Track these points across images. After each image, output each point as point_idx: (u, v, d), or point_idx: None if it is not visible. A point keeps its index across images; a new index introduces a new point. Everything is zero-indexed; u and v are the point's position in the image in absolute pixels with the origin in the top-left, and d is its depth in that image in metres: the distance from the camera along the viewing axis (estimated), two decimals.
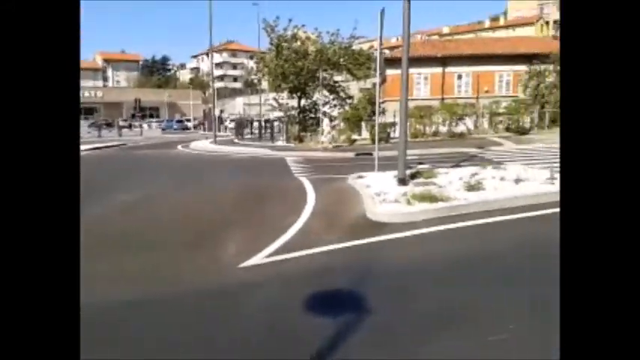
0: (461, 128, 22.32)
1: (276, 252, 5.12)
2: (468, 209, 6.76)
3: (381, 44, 10.63)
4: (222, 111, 50.73)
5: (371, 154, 11.48)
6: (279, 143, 23.79)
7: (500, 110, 23.06)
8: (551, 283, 4.01)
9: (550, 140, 18.36)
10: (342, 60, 24.06)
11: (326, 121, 21.53)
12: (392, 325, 3.34)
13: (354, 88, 30.87)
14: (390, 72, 25.21)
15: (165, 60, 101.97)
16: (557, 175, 8.47)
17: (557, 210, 6.56)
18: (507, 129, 22.43)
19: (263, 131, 29.96)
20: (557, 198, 7.21)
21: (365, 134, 22.39)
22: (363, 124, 23.10)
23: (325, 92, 24.54)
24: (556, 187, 7.80)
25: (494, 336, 3.09)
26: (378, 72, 11.27)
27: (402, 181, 8.60)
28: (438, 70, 29.26)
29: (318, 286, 4.05)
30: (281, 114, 26.73)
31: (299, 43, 23.62)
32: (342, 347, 2.99)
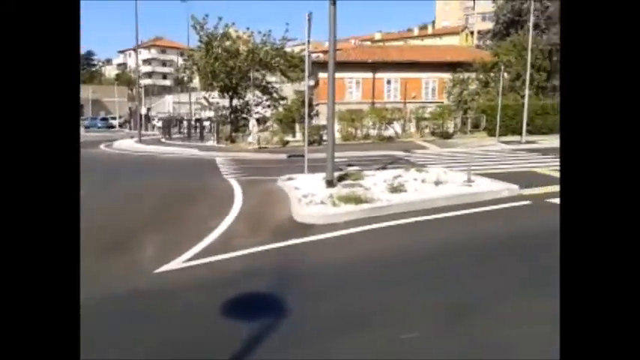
0: (390, 132, 23.07)
1: (196, 256, 4.97)
2: (389, 210, 6.98)
3: (308, 47, 10.71)
4: (149, 109, 48.57)
5: (303, 156, 11.52)
6: (210, 143, 23.22)
7: (426, 115, 24.12)
8: (463, 281, 4.28)
9: (471, 144, 19.50)
10: (274, 61, 23.97)
11: (252, 121, 21.29)
12: (305, 326, 3.35)
13: (289, 89, 30.92)
14: (322, 75, 25.47)
15: (89, 55, 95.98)
16: (474, 178, 9.00)
17: (472, 210, 7.03)
18: (433, 133, 23.51)
19: (193, 131, 29.08)
20: (472, 199, 7.67)
21: (299, 136, 22.46)
22: (297, 125, 23.17)
23: (258, 92, 24.33)
24: (471, 189, 8.28)
25: (406, 334, 3.19)
26: (307, 75, 11.33)
27: (330, 183, 8.71)
28: (369, 75, 30.00)
29: (235, 291, 3.97)
30: (212, 113, 26.12)
31: (230, 42, 23.22)
32: (253, 351, 2.96)
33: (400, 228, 6.17)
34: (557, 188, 8.57)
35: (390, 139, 22.47)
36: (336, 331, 3.28)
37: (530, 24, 21.70)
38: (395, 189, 8.14)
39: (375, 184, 8.86)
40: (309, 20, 10.17)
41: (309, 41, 10.52)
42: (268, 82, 25.04)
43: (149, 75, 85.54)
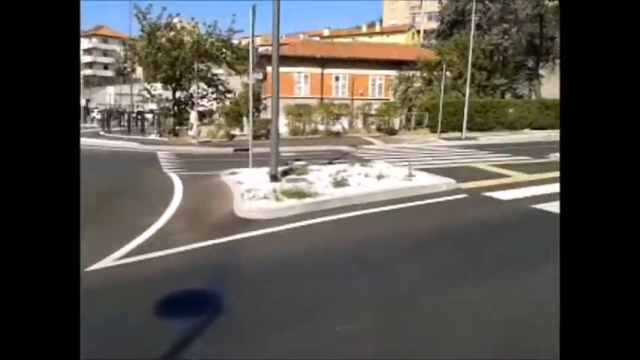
0: (337, 127, 23.28)
1: (130, 254, 4.76)
2: (332, 204, 7.03)
3: (252, 40, 10.56)
4: (88, 100, 46.15)
5: (249, 150, 11.38)
6: (152, 137, 22.39)
7: (373, 112, 24.54)
8: (400, 271, 4.39)
9: (415, 140, 20.06)
10: (220, 53, 23.47)
11: (193, 114, 20.75)
12: (243, 322, 3.29)
13: (237, 82, 30.39)
14: (270, 69, 25.24)
15: None
16: (415, 172, 9.24)
17: (411, 204, 7.22)
18: (379, 129, 23.96)
19: (134, 124, 27.92)
20: (412, 193, 7.88)
21: (247, 130, 22.13)
22: (245, 119, 22.85)
23: (203, 85, 23.74)
24: (412, 183, 8.50)
25: (341, 326, 3.22)
26: (250, 67, 11.16)
27: (274, 178, 8.64)
28: (317, 70, 30.06)
29: (168, 288, 3.84)
30: (154, 106, 25.20)
31: (174, 32, 22.48)
32: (184, 349, 2.87)
33: (340, 222, 6.22)
34: (492, 182, 9.00)
35: (337, 134, 22.68)
36: (273, 326, 3.25)
37: (472, 24, 22.58)
38: (338, 183, 8.21)
39: (320, 178, 8.89)
40: (254, 13, 10.03)
41: (253, 33, 10.37)
42: (214, 75, 24.48)
43: (90, 65, 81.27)
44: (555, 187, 8.18)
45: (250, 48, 10.74)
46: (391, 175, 9.17)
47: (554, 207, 6.67)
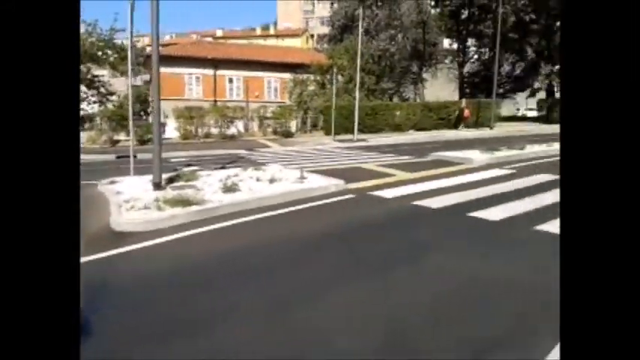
0: (232, 130, 22.81)
1: None
2: (220, 211, 6.78)
3: (131, 39, 9.89)
4: None
5: (135, 157, 10.60)
6: None
7: (268, 114, 24.47)
8: (287, 274, 4.32)
9: (310, 142, 20.37)
10: (101, 53, 21.76)
11: None
12: (103, 341, 2.97)
13: (122, 84, 28.36)
14: (161, 70, 23.95)
15: None
16: (307, 174, 9.32)
17: (301, 206, 7.23)
18: (275, 132, 23.96)
19: None
20: (303, 195, 7.91)
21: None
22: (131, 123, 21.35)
23: (83, 87, 21.80)
24: (303, 185, 8.55)
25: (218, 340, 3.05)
26: (130, 67, 10.41)
27: (158, 186, 8.13)
28: (210, 72, 29.27)
29: None
30: None
31: None
32: None
33: (225, 230, 6.00)
34: (378, 181, 9.38)
35: (232, 137, 22.22)
36: (144, 342, 2.97)
37: (360, 30, 23.55)
38: (228, 189, 7.96)
39: (210, 184, 8.57)
40: (132, 10, 9.39)
41: (132, 32, 9.70)
42: (95, 76, 22.61)
43: None
44: (432, 184, 8.78)
45: (129, 47, 10.04)
46: (283, 179, 9.14)
47: (431, 202, 7.13)
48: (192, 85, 28.79)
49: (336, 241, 5.46)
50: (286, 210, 7.02)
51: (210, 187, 8.21)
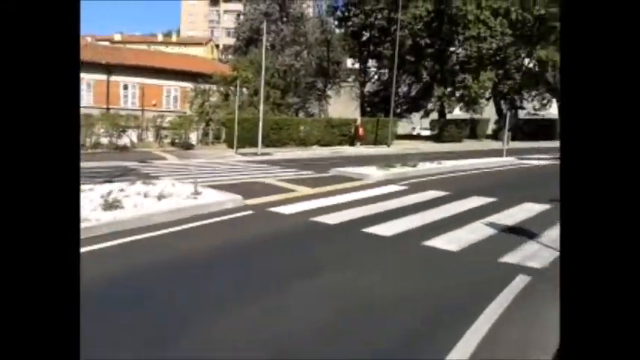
0: (125, 141, 21.27)
1: None
2: (96, 232, 6.05)
3: None
4: None
5: None
6: None
7: (165, 124, 23.25)
8: (173, 300, 3.88)
9: (211, 155, 19.64)
10: None
11: None
12: None
13: None
14: None
15: None
16: (202, 189, 8.79)
17: (190, 225, 6.72)
18: (173, 143, 22.80)
19: None
20: (195, 212, 7.40)
21: None
22: None
23: None
24: (197, 201, 8.03)
25: None
26: None
27: None
28: (103, 77, 27.22)
29: None
30: None
31: None
32: None
33: (97, 254, 5.31)
34: (278, 197, 9.16)
35: (125, 148, 20.69)
36: None
37: (264, 44, 23.51)
38: (110, 205, 7.19)
39: (91, 199, 7.68)
40: None
41: None
42: None
43: None
44: (331, 200, 8.77)
45: None
46: (174, 194, 8.51)
47: (329, 218, 7.08)
48: (83, 90, 26.49)
49: (227, 259, 5.11)
50: (174, 229, 6.48)
51: (90, 204, 7.36)
